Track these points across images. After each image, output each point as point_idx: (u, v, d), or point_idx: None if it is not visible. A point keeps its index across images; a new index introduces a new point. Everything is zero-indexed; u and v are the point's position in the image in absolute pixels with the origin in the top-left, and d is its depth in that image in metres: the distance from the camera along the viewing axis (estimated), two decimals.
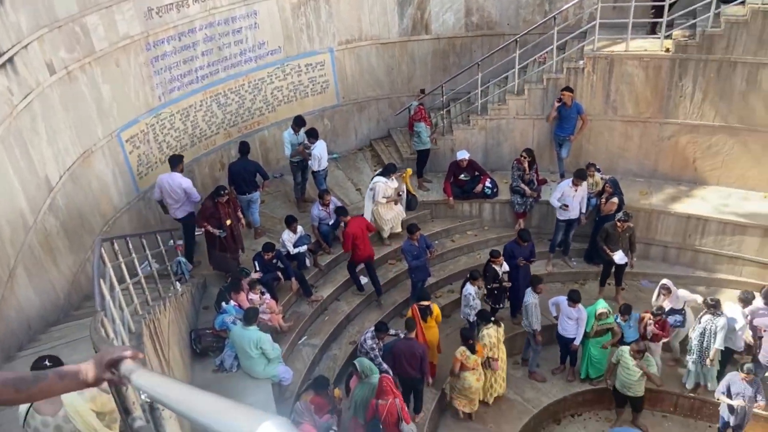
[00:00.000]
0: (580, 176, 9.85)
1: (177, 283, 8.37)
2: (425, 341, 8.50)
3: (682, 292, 9.00)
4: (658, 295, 8.98)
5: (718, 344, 8.34)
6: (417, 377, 8.17)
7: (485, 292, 9.36)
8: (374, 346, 8.31)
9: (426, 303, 8.61)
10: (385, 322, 8.96)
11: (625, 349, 8.39)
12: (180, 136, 10.22)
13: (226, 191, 9.08)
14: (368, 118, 12.63)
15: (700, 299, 8.96)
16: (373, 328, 8.48)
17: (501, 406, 9.11)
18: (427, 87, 11.93)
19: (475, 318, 8.84)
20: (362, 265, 9.87)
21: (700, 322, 8.50)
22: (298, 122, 10.39)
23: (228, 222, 9.05)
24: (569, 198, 9.90)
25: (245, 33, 10.54)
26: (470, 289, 9.05)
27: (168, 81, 9.75)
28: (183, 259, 9.06)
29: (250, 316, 7.62)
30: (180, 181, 9.08)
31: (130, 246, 7.04)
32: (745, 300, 8.58)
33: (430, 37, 11.97)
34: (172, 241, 9.60)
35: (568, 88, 10.46)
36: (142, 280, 6.99)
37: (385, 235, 10.65)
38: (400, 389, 7.99)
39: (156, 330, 6.39)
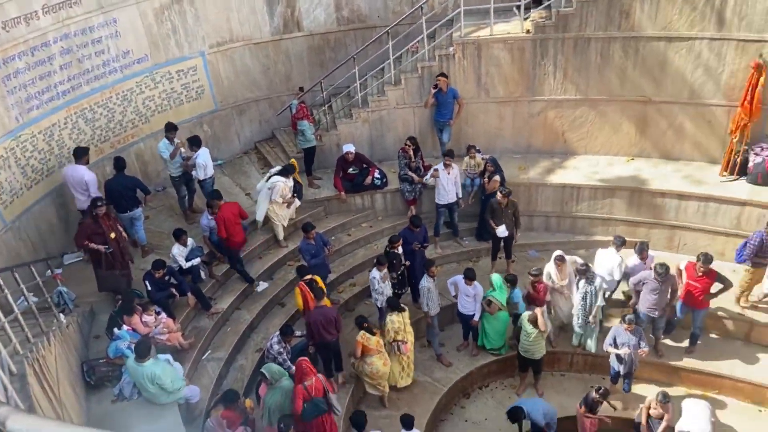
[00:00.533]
0: (448, 155, 10.29)
1: (60, 314, 7.81)
2: None
3: (570, 258, 9.62)
4: (555, 266, 9.39)
5: (599, 302, 9.04)
6: (334, 340, 8.53)
7: (394, 278, 9.48)
8: (281, 350, 8.22)
9: (309, 277, 8.82)
10: (290, 325, 8.87)
11: (525, 315, 8.90)
12: (45, 157, 9.51)
13: (104, 201, 8.63)
14: (250, 121, 12.38)
15: (580, 261, 9.62)
16: (278, 333, 8.40)
17: (413, 390, 9.32)
18: (305, 84, 11.87)
19: (384, 305, 8.97)
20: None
21: (578, 288, 9.13)
22: (170, 128, 10.01)
23: (112, 235, 8.55)
24: (443, 179, 10.26)
25: (106, 42, 9.96)
26: (375, 273, 9.13)
27: (24, 100, 9.03)
28: (64, 289, 8.46)
29: (141, 351, 7.02)
30: (83, 173, 9.12)
31: (1, 282, 6.47)
32: (618, 244, 9.34)
33: (303, 33, 11.91)
34: (49, 270, 8.93)
35: (442, 74, 10.82)
36: (20, 317, 6.45)
37: (280, 236, 10.53)
38: (320, 361, 8.61)
39: (42, 368, 5.94)
